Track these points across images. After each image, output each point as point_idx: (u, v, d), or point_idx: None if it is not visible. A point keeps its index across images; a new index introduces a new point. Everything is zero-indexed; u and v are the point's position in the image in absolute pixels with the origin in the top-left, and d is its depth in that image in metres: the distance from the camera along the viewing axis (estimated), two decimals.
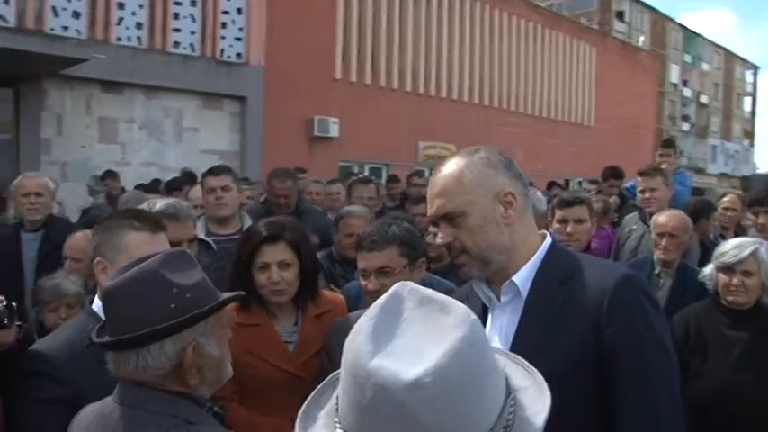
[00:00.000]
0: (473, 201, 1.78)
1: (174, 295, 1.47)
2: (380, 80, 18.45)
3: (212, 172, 4.28)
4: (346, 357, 1.02)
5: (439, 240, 1.85)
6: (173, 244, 2.71)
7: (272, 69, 14.44)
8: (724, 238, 5.91)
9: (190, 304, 1.48)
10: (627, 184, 7.17)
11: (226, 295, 1.60)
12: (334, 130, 16.72)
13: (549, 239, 1.91)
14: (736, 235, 6.03)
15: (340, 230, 4.12)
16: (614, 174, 7.24)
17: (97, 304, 2.16)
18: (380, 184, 6.83)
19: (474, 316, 1.06)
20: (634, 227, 5.19)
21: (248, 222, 4.16)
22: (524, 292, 1.81)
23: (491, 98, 22.08)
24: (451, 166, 1.83)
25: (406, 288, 1.09)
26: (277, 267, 2.63)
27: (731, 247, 3.27)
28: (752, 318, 3.19)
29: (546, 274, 1.81)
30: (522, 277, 1.82)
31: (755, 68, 57.11)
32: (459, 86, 20.86)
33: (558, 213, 3.83)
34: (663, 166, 6.24)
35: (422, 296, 1.08)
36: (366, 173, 17.35)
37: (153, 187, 9.67)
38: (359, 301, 3.09)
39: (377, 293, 2.45)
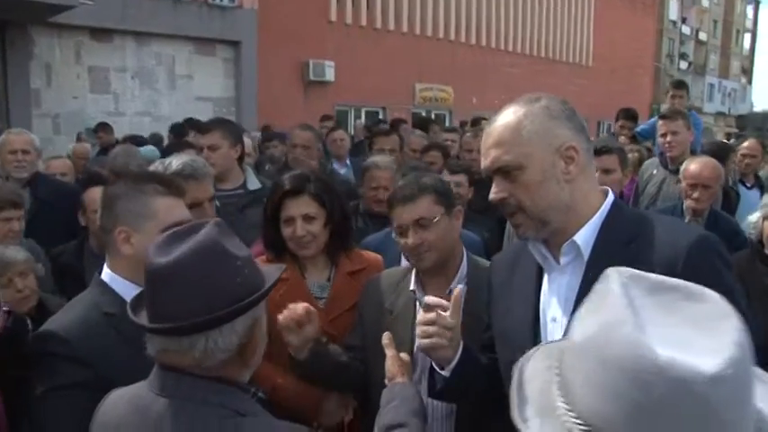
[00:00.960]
0: (532, 154, 1.62)
1: (238, 269, 1.36)
2: (376, 21, 18.01)
3: (200, 129, 4.07)
4: (612, 351, 0.90)
5: (492, 196, 1.70)
6: (193, 204, 2.57)
7: (265, 12, 14.03)
8: (743, 183, 5.79)
9: (251, 277, 1.38)
10: (638, 127, 7.00)
11: (270, 268, 1.52)
12: (329, 74, 16.42)
13: (611, 197, 1.75)
14: (756, 180, 5.90)
15: (365, 183, 3.94)
16: (627, 115, 7.06)
17: (108, 275, 1.98)
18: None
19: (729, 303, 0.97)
20: (654, 172, 5.03)
21: (251, 176, 3.97)
22: (586, 254, 1.67)
23: (488, 38, 21.66)
24: (509, 115, 1.67)
25: (625, 275, 0.99)
26: (301, 221, 2.54)
27: None
28: None
29: (609, 233, 1.67)
30: (584, 237, 1.67)
31: (757, 3, 55.86)
32: (456, 27, 20.43)
33: None
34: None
35: (651, 283, 0.98)
36: (362, 117, 17.13)
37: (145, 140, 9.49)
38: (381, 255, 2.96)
39: (417, 249, 2.31)
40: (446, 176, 4.22)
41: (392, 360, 1.94)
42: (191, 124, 10.54)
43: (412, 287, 2.41)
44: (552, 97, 1.71)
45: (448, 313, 1.81)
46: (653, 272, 1.57)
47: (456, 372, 1.83)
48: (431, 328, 1.79)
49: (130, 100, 12.31)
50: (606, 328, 0.91)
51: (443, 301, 1.84)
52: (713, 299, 0.96)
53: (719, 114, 47.86)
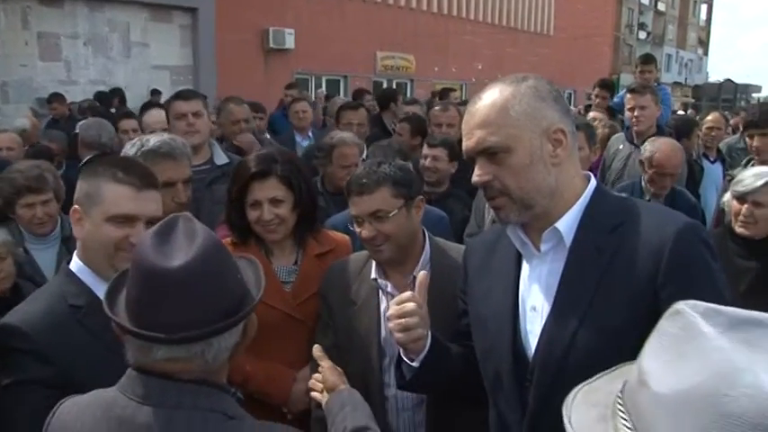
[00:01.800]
0: (519, 136, 1.57)
1: (236, 264, 1.35)
2: None
3: (181, 96, 3.88)
4: (735, 403, 0.78)
5: (475, 178, 1.63)
6: (168, 184, 2.50)
7: None
8: (707, 157, 5.86)
9: (240, 271, 1.36)
10: (613, 99, 6.98)
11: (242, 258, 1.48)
12: (289, 42, 16.07)
13: (593, 182, 1.70)
14: (718, 154, 5.98)
15: (334, 161, 3.81)
16: (603, 84, 7.07)
17: (76, 263, 1.88)
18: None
19: None
20: (620, 147, 5.01)
21: (218, 151, 3.83)
22: (568, 241, 1.62)
23: (450, 7, 21.46)
24: (494, 95, 1.60)
25: (699, 309, 0.88)
26: (269, 204, 2.44)
27: (749, 176, 3.09)
28: (764, 248, 3.05)
29: (592, 220, 1.62)
30: (566, 224, 1.62)
31: None
32: None
33: None
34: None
35: (728, 318, 0.86)
36: (323, 85, 16.87)
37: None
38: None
39: (372, 241, 2.25)
40: (425, 150, 4.14)
41: (330, 371, 1.91)
42: (117, 94, 10.31)
43: (373, 275, 2.35)
44: (539, 78, 1.65)
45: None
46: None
47: (426, 361, 1.78)
48: (410, 320, 1.73)
49: (83, 68, 11.83)
50: (719, 378, 0.79)
51: (414, 294, 1.78)
52: None
53: (676, 84, 48.43)
